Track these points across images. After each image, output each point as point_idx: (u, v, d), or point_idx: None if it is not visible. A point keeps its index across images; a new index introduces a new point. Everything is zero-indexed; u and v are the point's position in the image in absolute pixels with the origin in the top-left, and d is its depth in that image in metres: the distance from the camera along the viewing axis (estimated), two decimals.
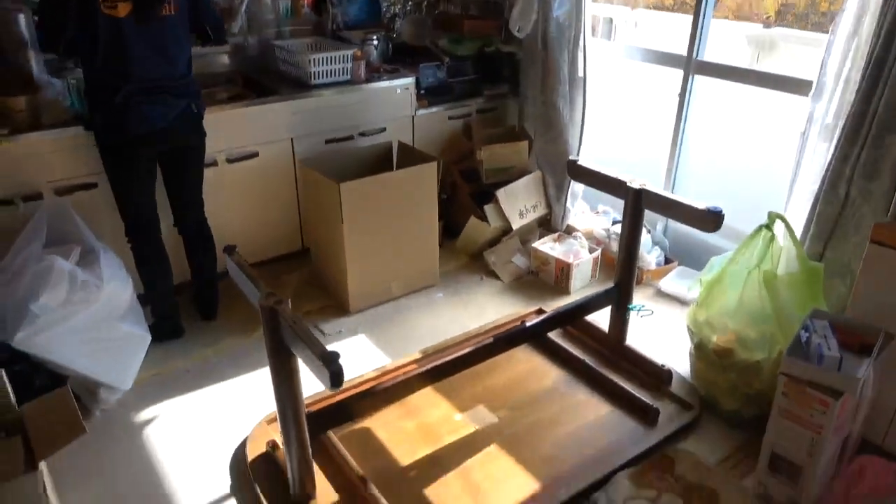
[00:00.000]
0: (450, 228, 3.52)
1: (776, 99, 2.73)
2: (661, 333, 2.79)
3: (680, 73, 3.01)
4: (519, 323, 2.76)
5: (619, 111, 3.48)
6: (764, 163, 2.86)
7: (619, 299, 2.49)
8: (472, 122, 3.59)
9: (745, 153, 2.92)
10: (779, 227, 2.31)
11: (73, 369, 2.23)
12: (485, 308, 2.99)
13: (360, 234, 2.80)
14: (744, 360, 2.28)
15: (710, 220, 2.12)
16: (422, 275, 3.10)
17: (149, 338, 2.53)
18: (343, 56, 3.11)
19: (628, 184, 2.33)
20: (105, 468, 2.12)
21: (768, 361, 2.24)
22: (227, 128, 2.86)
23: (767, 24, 4.02)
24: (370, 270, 2.91)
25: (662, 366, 2.46)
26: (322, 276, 3.11)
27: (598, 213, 3.46)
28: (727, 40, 3.83)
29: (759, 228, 2.32)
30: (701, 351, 2.40)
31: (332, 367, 1.40)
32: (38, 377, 2.21)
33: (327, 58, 3.07)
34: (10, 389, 1.95)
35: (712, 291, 2.42)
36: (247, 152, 2.96)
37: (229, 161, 2.92)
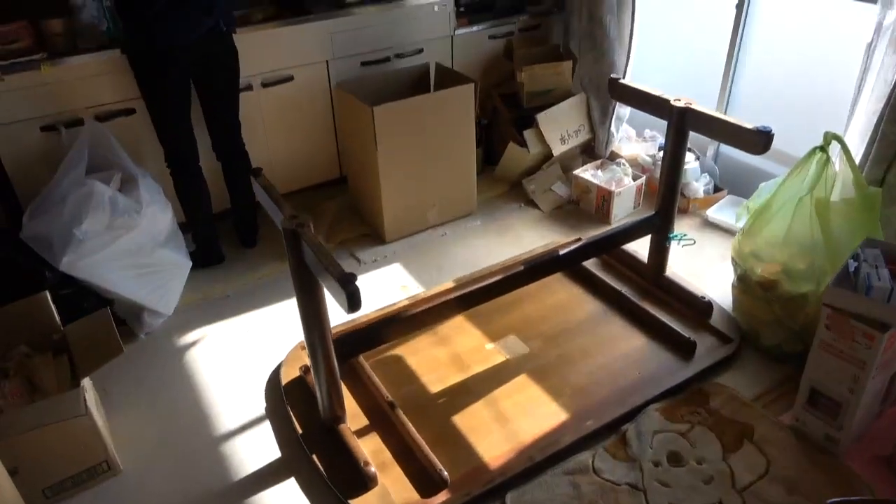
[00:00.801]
0: (490, 155, 3.43)
1: (844, 6, 2.48)
2: (704, 264, 2.68)
3: None
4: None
5: (671, 27, 3.25)
6: (827, 80, 2.63)
7: (659, 227, 2.39)
8: (514, 41, 3.42)
9: (807, 70, 2.69)
10: (835, 149, 2.14)
11: (117, 293, 2.31)
12: (522, 237, 2.93)
13: (396, 160, 2.76)
14: (789, 293, 2.17)
15: (759, 140, 1.97)
16: (459, 203, 3.05)
17: (189, 264, 2.60)
18: None
19: (672, 102, 2.19)
20: (148, 390, 2.22)
21: (815, 294, 2.13)
22: (260, 50, 2.81)
23: None
24: (406, 198, 2.87)
25: (703, 297, 2.38)
26: (359, 203, 3.09)
27: (644, 138, 3.30)
28: None
29: (813, 151, 2.16)
30: (744, 283, 2.31)
31: (348, 289, 1.39)
32: (87, 301, 2.30)
33: None
34: (55, 311, 2.04)
35: (760, 220, 2.29)
36: (282, 76, 2.91)
37: (265, 85, 2.88)
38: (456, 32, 3.25)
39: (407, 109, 2.69)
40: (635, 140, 3.33)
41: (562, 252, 2.20)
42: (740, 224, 2.40)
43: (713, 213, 2.94)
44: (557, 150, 3.12)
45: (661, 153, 3.05)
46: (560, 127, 3.13)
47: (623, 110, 3.22)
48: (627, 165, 3.09)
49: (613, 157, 3.25)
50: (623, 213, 3.01)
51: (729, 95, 2.98)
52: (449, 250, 2.88)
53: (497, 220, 3.07)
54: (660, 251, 2.45)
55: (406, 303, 2.49)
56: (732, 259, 2.38)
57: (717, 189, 3.06)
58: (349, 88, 2.84)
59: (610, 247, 2.49)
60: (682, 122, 2.18)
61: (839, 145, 2.10)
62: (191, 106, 2.57)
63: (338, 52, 2.99)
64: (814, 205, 2.15)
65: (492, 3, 3.33)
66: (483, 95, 3.47)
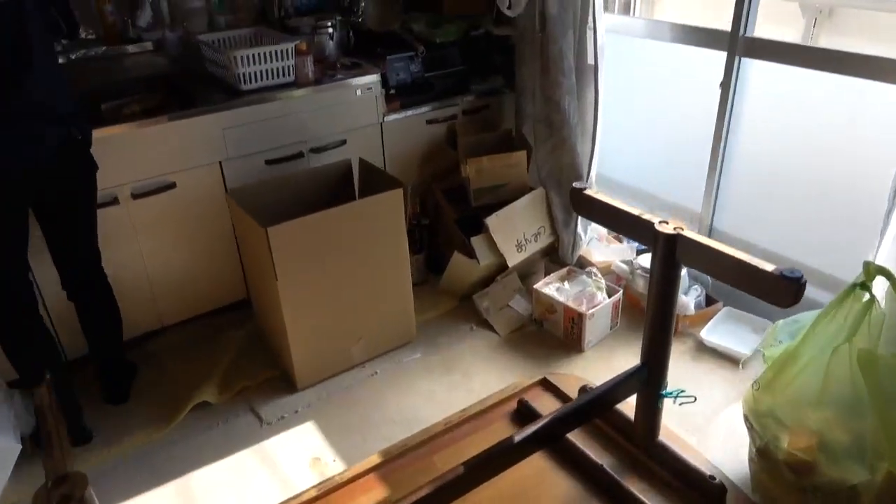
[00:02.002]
0: (435, 261, 2.84)
1: (860, 88, 1.98)
2: (705, 410, 2.08)
3: (722, 56, 2.26)
4: (515, 404, 2.09)
5: (644, 109, 2.74)
6: (850, 176, 2.11)
7: (648, 382, 1.79)
8: (458, 125, 2.87)
9: (818, 164, 2.17)
10: (880, 284, 1.59)
11: None
12: (472, 377, 2.31)
13: (304, 289, 2.14)
14: (831, 482, 1.58)
15: (784, 289, 1.40)
16: (393, 331, 2.43)
17: (18, 447, 1.90)
18: (281, 51, 2.41)
19: (657, 226, 1.62)
20: None
21: (870, 486, 1.54)
22: (131, 154, 2.20)
23: None
24: (322, 335, 2.24)
25: (711, 478, 1.77)
26: (267, 337, 2.45)
27: (618, 239, 2.74)
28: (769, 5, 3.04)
29: (852, 288, 1.60)
30: (767, 459, 1.71)
31: None
32: None
33: (259, 55, 2.37)
34: None
35: (783, 373, 1.72)
36: (160, 183, 2.29)
37: (135, 196, 2.26)
38: (385, 119, 2.69)
39: (315, 226, 2.09)
40: (607, 241, 2.77)
41: (517, 439, 1.57)
42: (755, 362, 1.82)
43: (709, 334, 2.36)
44: (513, 260, 2.53)
45: (641, 258, 2.50)
46: (515, 231, 2.55)
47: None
48: (600, 276, 2.51)
49: (582, 264, 2.68)
50: (597, 337, 2.42)
51: (717, 192, 2.45)
52: (380, 398, 2.24)
53: (442, 349, 2.45)
54: (650, 412, 1.84)
55: (315, 492, 1.83)
56: (746, 419, 1.79)
57: (709, 301, 2.50)
58: (244, 198, 2.23)
59: (585, 419, 1.87)
60: (670, 253, 1.60)
61: (888, 281, 1.55)
62: (27, 236, 1.93)
63: (234, 150, 2.39)
64: (856, 358, 1.58)
65: (428, 83, 2.80)
66: (423, 189, 2.90)
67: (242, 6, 2.79)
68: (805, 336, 1.68)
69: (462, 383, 2.28)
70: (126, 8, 2.56)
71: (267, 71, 2.41)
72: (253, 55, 2.35)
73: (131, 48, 2.59)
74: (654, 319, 1.72)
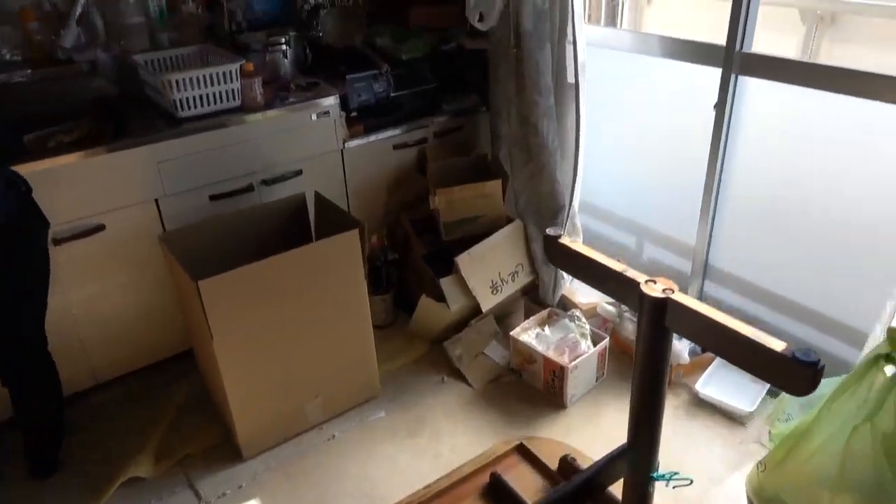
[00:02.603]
0: (404, 299, 2.58)
1: (874, 110, 1.72)
2: (702, 480, 1.83)
3: (716, 73, 2.01)
4: (487, 476, 1.83)
5: (631, 130, 2.48)
6: (864, 211, 1.85)
7: (637, 466, 1.53)
8: (428, 150, 2.62)
9: (827, 196, 1.92)
10: None
11: None
12: (442, 440, 2.05)
13: (245, 345, 1.88)
14: None
15: (797, 375, 1.14)
16: (354, 386, 2.17)
17: None
18: (224, 73, 2.15)
19: (642, 287, 1.36)
20: None
21: None
22: (53, 192, 1.93)
23: None
24: (269, 393, 1.98)
25: None
26: (211, 395, 2.19)
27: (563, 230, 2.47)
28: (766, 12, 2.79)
29: (875, 360, 1.36)
30: None
31: None
32: None
33: (198, 78, 2.11)
34: None
35: (794, 452, 1.47)
36: (85, 226, 2.03)
37: (57, 241, 1.99)
38: (347, 145, 2.43)
39: (256, 275, 1.83)
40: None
41: None
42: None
43: (705, 387, 2.10)
44: (487, 304, 2.28)
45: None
46: (489, 271, 2.29)
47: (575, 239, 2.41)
48: (584, 320, 2.25)
49: (565, 304, 2.42)
50: (582, 390, 2.16)
51: (712, 228, 2.20)
52: (338, 467, 1.98)
53: (409, 406, 2.19)
54: (640, 496, 1.58)
55: None
56: (750, 501, 1.54)
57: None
58: (180, 242, 1.97)
59: None
60: (659, 320, 1.34)
61: None
62: None
63: (171, 185, 2.13)
64: (879, 440, 1.34)
65: (395, 104, 2.54)
66: (391, 220, 2.64)
67: (188, 21, 2.52)
68: (820, 413, 1.44)
69: (429, 447, 2.02)
70: (55, 27, 2.29)
71: (208, 95, 2.15)
72: (190, 78, 2.09)
73: (61, 71, 2.33)
74: (641, 394, 1.46)
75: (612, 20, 2.63)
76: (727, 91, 1.98)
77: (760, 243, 2.12)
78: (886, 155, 1.75)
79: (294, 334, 1.95)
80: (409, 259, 2.54)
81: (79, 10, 2.18)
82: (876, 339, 1.66)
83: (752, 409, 2.00)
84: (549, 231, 1.55)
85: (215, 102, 2.17)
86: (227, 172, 2.22)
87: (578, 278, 1.77)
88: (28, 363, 1.86)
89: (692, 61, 2.10)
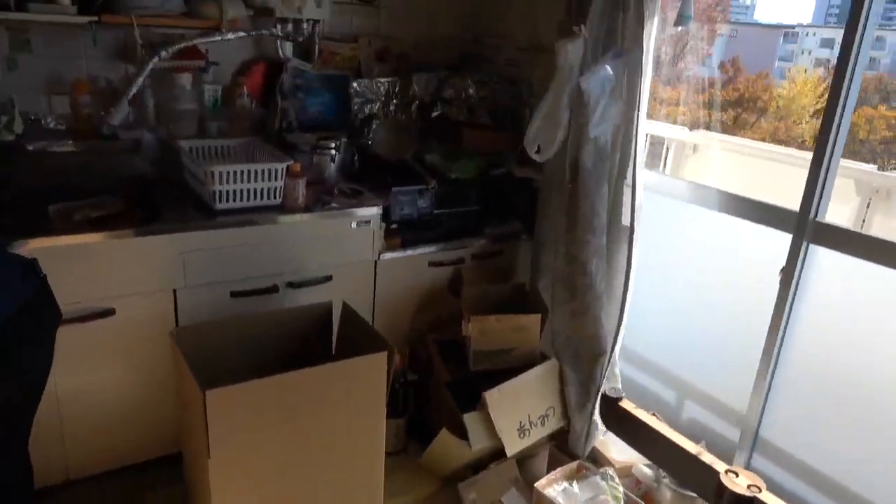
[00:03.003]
0: (419, 426, 2.37)
1: None
2: None
3: (783, 237, 1.91)
4: None
5: (682, 281, 2.36)
6: None
7: None
8: (465, 271, 2.50)
9: (888, 383, 1.76)
10: None
11: None
12: None
13: (242, 469, 1.67)
14: None
15: None
16: None
17: None
18: (271, 171, 2.08)
19: (722, 478, 1.17)
20: None
21: None
22: (66, 269, 1.80)
23: (881, 166, 2.97)
24: None
25: None
26: None
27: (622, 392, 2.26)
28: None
29: None
30: None
31: None
32: None
33: (242, 172, 2.03)
34: None
35: None
36: (94, 308, 1.88)
37: (62, 322, 1.83)
38: (382, 256, 2.32)
39: (271, 391, 1.65)
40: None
41: None
42: None
43: None
44: (513, 448, 2.06)
45: None
46: (519, 412, 2.10)
47: (613, 388, 2.23)
48: (617, 480, 2.02)
49: (596, 457, 2.20)
50: None
51: (768, 392, 2.02)
52: None
53: None
54: None
55: None
56: None
57: None
58: (192, 339, 1.81)
59: None
60: None
61: None
62: None
63: (194, 277, 2.00)
64: None
65: (437, 221, 2.45)
66: (415, 338, 2.48)
67: (239, 114, 2.50)
68: None
69: None
70: (106, 103, 2.26)
71: (249, 191, 2.07)
72: (234, 172, 2.02)
73: (103, 146, 2.27)
74: None
75: (654, 164, 2.58)
76: (797, 258, 1.87)
77: (819, 421, 1.93)
78: None
79: (299, 460, 1.75)
80: (431, 384, 2.35)
81: (134, 90, 2.15)
82: None
83: None
84: (609, 391, 1.39)
85: (256, 198, 2.09)
86: (253, 270, 2.10)
87: (636, 448, 1.60)
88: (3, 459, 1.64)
89: (758, 221, 2.01)
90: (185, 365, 1.69)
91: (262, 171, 2.06)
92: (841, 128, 1.77)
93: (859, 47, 1.70)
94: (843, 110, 1.75)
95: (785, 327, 1.94)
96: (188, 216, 2.02)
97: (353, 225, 2.23)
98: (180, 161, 2.24)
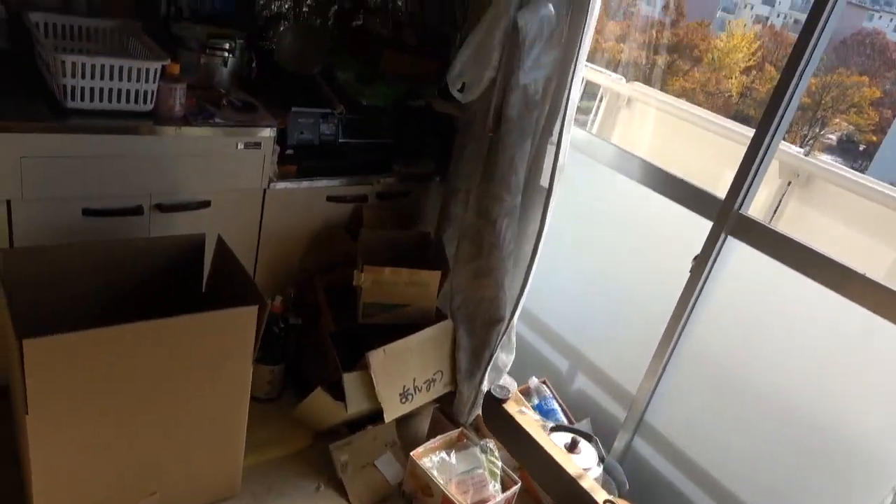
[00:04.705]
0: (297, 374, 2.19)
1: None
2: None
3: (702, 224, 1.80)
4: None
5: (589, 250, 2.24)
6: (836, 422, 1.66)
7: None
8: (366, 211, 2.27)
9: (796, 393, 1.72)
10: None
11: None
12: None
13: (72, 424, 1.43)
14: None
15: None
16: (206, 482, 1.74)
17: None
18: (140, 70, 1.72)
19: None
20: None
21: None
22: None
23: (807, 151, 2.92)
24: (91, 485, 1.53)
25: None
26: (18, 452, 1.70)
27: (527, 403, 2.18)
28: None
29: None
30: None
31: None
32: None
33: (104, 67, 1.67)
34: None
35: None
36: None
37: None
38: (273, 185, 2.05)
39: (108, 343, 1.40)
40: (516, 402, 2.22)
41: None
42: None
43: None
44: (392, 414, 1.92)
45: (555, 436, 1.93)
46: (404, 375, 1.94)
47: (506, 357, 2.12)
48: (497, 454, 1.93)
49: (478, 427, 2.10)
50: None
51: (660, 377, 1.96)
52: None
53: None
54: None
55: None
56: None
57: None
58: (19, 268, 1.52)
59: None
60: None
61: None
62: None
63: (34, 188, 1.66)
64: None
65: (339, 150, 2.19)
66: (303, 280, 2.26)
67: None
68: None
69: None
70: None
71: (113, 90, 1.72)
72: (94, 65, 1.65)
73: None
74: None
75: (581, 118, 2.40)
76: (713, 248, 1.76)
77: (705, 416, 1.90)
78: (876, 361, 1.57)
79: (143, 416, 1.53)
80: (314, 331, 2.16)
81: None
82: None
83: None
84: (495, 391, 1.24)
85: (121, 100, 1.74)
86: (113, 187, 1.78)
87: (515, 457, 1.48)
88: None
89: (679, 202, 1.88)
90: (3, 302, 1.40)
91: (131, 69, 1.71)
92: (787, 114, 1.63)
93: (827, 20, 1.54)
94: (794, 94, 1.60)
95: (688, 316, 1.86)
96: (34, 111, 1.66)
97: (240, 146, 1.93)
98: (32, 41, 1.84)
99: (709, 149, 2.73)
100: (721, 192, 1.77)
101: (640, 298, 2.06)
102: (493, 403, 1.21)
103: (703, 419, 1.91)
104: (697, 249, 1.82)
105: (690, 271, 1.83)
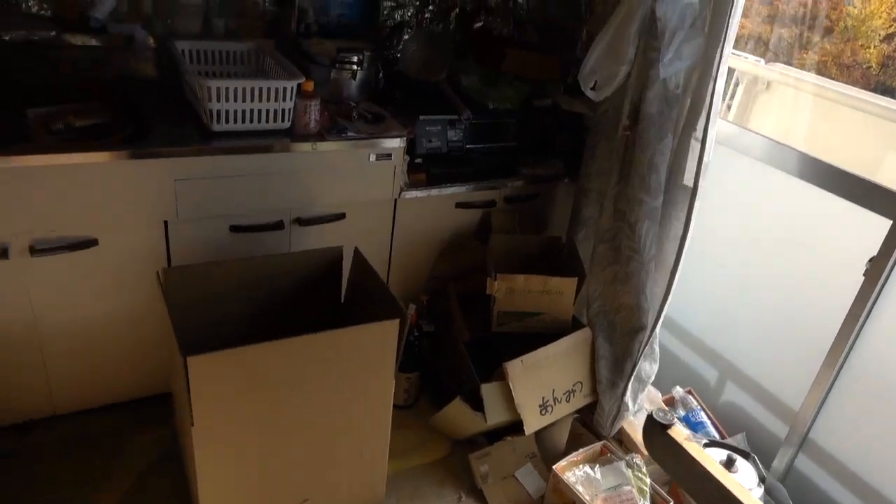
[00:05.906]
0: (434, 381, 2.19)
1: None
2: None
3: (877, 221, 1.60)
4: None
5: (742, 253, 2.07)
6: None
7: None
8: (495, 216, 2.23)
9: None
10: None
11: None
12: None
13: (232, 436, 1.49)
14: None
15: None
16: (352, 489, 1.77)
17: None
18: (279, 90, 1.77)
19: None
20: None
21: None
22: (37, 192, 1.57)
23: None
24: (249, 493, 1.59)
25: None
26: (182, 455, 1.81)
27: (675, 408, 2.06)
28: None
29: None
30: None
31: None
32: None
33: (245, 90, 1.73)
34: None
35: None
36: (74, 239, 1.66)
37: (35, 251, 1.62)
38: (404, 194, 2.05)
39: (262, 358, 1.44)
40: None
41: None
42: None
43: None
44: (532, 426, 1.87)
45: (706, 450, 1.81)
46: (543, 386, 1.89)
47: (650, 367, 2.00)
48: (644, 470, 1.84)
49: (622, 440, 2.01)
50: None
51: (828, 393, 1.77)
52: None
53: None
54: None
55: None
56: None
57: None
58: (182, 284, 1.60)
59: None
60: None
61: None
62: None
63: (187, 210, 1.75)
64: None
65: (467, 157, 2.16)
66: (435, 287, 2.26)
67: (250, 12, 2.16)
68: None
69: None
70: None
71: (255, 111, 1.78)
72: (235, 89, 1.72)
73: (92, 40, 1.96)
74: None
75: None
76: (892, 248, 1.56)
77: (881, 431, 1.70)
78: None
79: (295, 427, 1.57)
80: (448, 337, 2.15)
81: None
82: None
83: None
84: (657, 415, 1.16)
85: (259, 121, 1.80)
86: (257, 204, 1.85)
87: (679, 483, 1.38)
88: None
89: (848, 198, 1.69)
90: (168, 321, 1.47)
91: (270, 90, 1.76)
92: None
93: None
94: None
95: (862, 325, 1.67)
96: (185, 136, 1.75)
97: (372, 158, 1.94)
98: (177, 67, 1.94)
99: (863, 130, 2.45)
100: (881, 178, 1.57)
101: (801, 304, 1.87)
102: (654, 428, 1.13)
103: (880, 437, 1.71)
104: (869, 249, 1.63)
105: (864, 274, 1.64)
